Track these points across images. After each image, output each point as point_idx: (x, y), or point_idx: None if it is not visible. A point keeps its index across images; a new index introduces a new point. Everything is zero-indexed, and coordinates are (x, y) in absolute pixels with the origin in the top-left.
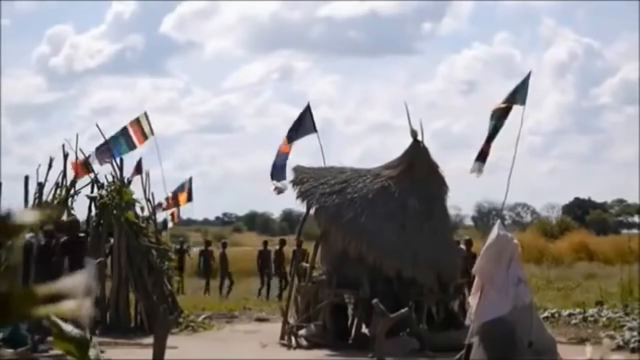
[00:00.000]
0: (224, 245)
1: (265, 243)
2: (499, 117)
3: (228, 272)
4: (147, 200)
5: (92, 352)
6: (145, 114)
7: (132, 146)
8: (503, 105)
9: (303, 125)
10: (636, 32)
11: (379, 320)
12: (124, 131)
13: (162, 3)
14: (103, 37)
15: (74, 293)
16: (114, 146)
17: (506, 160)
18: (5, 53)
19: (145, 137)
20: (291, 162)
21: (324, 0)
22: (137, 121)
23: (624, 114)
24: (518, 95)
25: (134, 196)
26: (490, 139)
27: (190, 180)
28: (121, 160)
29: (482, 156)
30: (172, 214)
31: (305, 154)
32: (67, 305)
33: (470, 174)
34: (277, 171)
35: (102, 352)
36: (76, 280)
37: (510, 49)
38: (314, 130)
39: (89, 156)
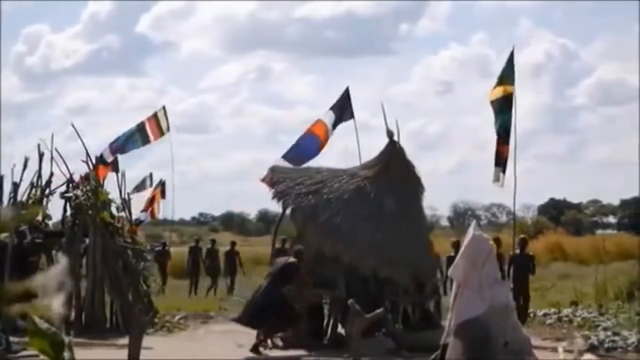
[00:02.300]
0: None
1: (233, 243)
2: (501, 109)
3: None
4: (123, 200)
5: (66, 355)
6: (164, 109)
7: (146, 141)
8: (498, 92)
9: (343, 110)
10: (612, 32)
11: (355, 320)
12: (140, 126)
13: (138, 3)
14: (79, 36)
15: (46, 290)
16: (128, 141)
17: (480, 161)
18: None
19: (161, 132)
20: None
21: (301, 1)
22: (154, 116)
23: (599, 114)
24: (506, 75)
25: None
26: (500, 137)
27: (151, 175)
28: (96, 159)
29: (501, 161)
30: (152, 211)
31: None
32: (40, 303)
33: (493, 184)
34: (300, 154)
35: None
36: (48, 278)
37: (486, 49)
38: (352, 116)
39: (101, 155)
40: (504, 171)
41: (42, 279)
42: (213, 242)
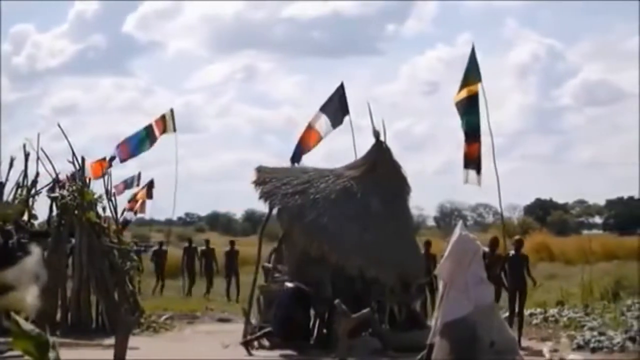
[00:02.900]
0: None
1: (232, 243)
2: (466, 110)
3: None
4: (109, 200)
5: (51, 355)
6: (172, 111)
7: (153, 142)
8: (462, 95)
9: (338, 107)
10: (598, 33)
11: (342, 320)
12: (149, 130)
13: (125, 3)
14: (65, 36)
15: (20, 283)
16: (137, 145)
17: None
18: None
19: (165, 130)
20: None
21: (287, 1)
22: (162, 118)
23: (585, 115)
24: (470, 73)
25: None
26: (468, 137)
27: (139, 175)
28: (82, 159)
29: (472, 161)
30: (136, 210)
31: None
32: (13, 296)
33: (465, 185)
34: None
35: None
36: (22, 270)
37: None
38: (347, 112)
39: (113, 158)
40: (478, 170)
41: (16, 271)
42: (207, 242)
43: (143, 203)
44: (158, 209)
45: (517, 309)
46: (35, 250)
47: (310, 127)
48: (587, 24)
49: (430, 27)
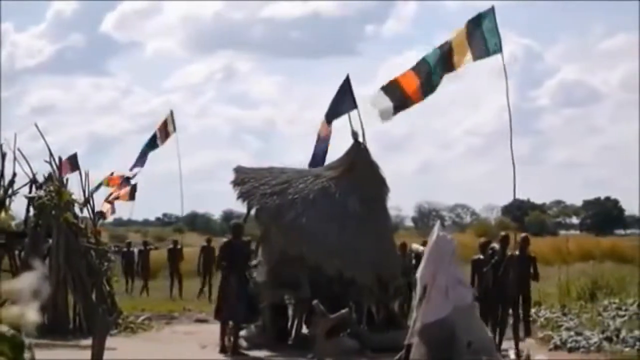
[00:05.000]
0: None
1: (209, 240)
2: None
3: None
4: (86, 200)
5: (27, 356)
6: (171, 113)
7: (155, 147)
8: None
9: (343, 101)
10: (575, 34)
11: (320, 320)
12: (153, 139)
13: (103, 2)
14: (43, 36)
15: (20, 298)
16: (145, 156)
17: (445, 161)
18: None
19: (167, 135)
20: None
21: (266, 1)
22: (164, 124)
23: (562, 115)
24: (489, 42)
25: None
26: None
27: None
28: (60, 159)
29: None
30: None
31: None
32: (12, 311)
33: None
34: (317, 160)
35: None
36: (22, 285)
37: None
38: (355, 106)
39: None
40: (398, 108)
41: (17, 285)
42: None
43: (112, 205)
44: (136, 210)
45: (521, 315)
46: (37, 265)
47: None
48: (564, 24)
49: (409, 28)
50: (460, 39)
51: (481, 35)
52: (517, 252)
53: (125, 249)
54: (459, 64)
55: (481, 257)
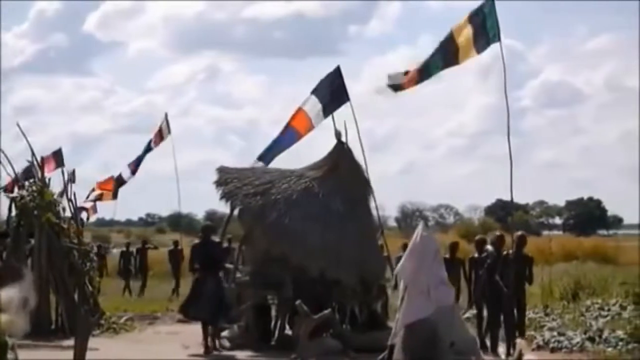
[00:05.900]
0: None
1: (176, 243)
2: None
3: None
4: (69, 200)
5: (10, 356)
6: (166, 116)
7: (149, 150)
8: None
9: (334, 94)
10: (557, 35)
11: (302, 321)
12: (149, 144)
13: (86, 2)
14: (26, 35)
15: (9, 306)
16: (141, 160)
17: (428, 162)
18: None
19: (162, 137)
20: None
21: (249, 1)
22: (159, 131)
23: (545, 116)
24: (490, 33)
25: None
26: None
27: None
28: (42, 159)
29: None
30: (89, 209)
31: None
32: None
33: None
34: (270, 154)
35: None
36: (11, 293)
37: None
38: (347, 99)
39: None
40: (398, 88)
41: (7, 294)
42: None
43: (94, 205)
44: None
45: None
46: (27, 275)
47: (300, 110)
48: (548, 25)
49: (393, 28)
50: (465, 35)
51: (483, 27)
52: (512, 251)
53: (124, 249)
54: (464, 58)
55: (476, 255)
